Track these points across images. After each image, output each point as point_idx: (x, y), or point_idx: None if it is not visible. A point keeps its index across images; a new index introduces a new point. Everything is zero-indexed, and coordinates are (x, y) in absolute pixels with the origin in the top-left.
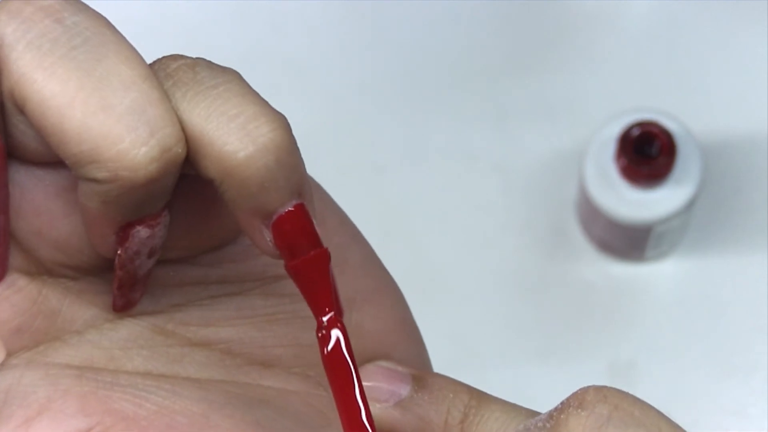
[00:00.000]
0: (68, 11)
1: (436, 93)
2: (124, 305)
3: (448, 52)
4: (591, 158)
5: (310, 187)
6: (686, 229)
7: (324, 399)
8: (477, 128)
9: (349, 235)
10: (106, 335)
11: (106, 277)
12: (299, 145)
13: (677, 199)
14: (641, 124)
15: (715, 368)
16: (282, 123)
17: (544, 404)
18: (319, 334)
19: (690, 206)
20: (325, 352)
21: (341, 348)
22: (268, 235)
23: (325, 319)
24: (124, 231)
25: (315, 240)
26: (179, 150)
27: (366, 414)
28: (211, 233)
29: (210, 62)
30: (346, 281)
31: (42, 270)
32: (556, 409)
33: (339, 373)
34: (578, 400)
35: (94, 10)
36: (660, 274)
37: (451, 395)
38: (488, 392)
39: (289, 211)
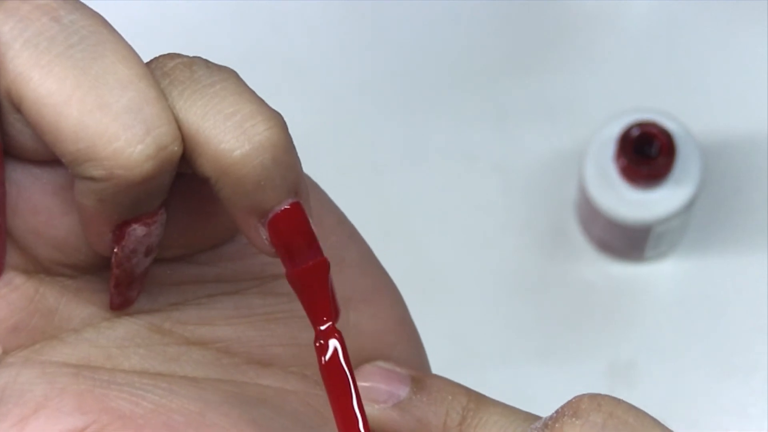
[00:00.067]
0: (65, 10)
1: (436, 93)
2: (121, 304)
3: (448, 52)
4: (591, 158)
5: (307, 186)
6: (686, 229)
7: (321, 398)
8: (477, 128)
9: (347, 234)
10: (104, 334)
11: (103, 276)
12: (299, 144)
13: (677, 199)
14: (641, 125)
15: (715, 368)
16: (278, 121)
17: (544, 404)
18: (317, 344)
19: (690, 206)
20: (323, 361)
21: (339, 358)
22: (264, 234)
23: (322, 328)
24: (120, 229)
25: (311, 238)
26: (175, 148)
27: (363, 424)
28: (208, 232)
29: (207, 61)
30: (343, 280)
31: (39, 268)
32: (551, 417)
33: (336, 383)
34: (573, 409)
35: (91, 9)
36: (660, 274)
37: (450, 397)
38: (488, 392)
39: (285, 209)
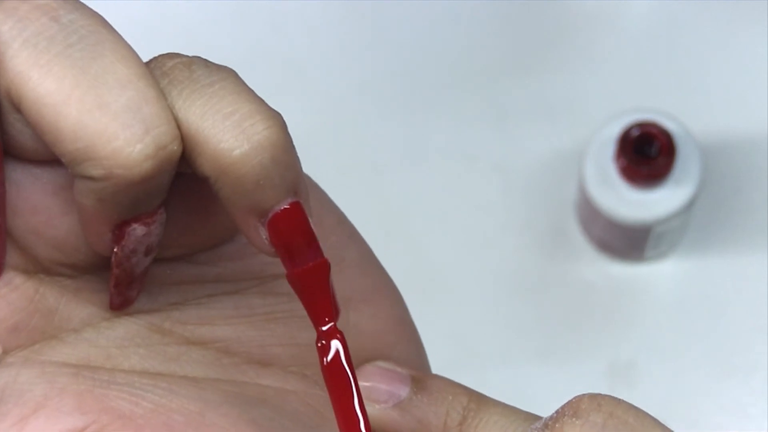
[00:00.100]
0: (64, 9)
1: (436, 93)
2: (121, 303)
3: (448, 52)
4: (591, 158)
5: (306, 186)
6: (686, 230)
7: (321, 398)
8: (477, 128)
9: (347, 234)
10: (103, 333)
11: (103, 276)
12: (299, 144)
13: (677, 199)
14: (641, 125)
15: (715, 368)
16: (277, 121)
17: (544, 404)
18: (319, 344)
19: (689, 206)
20: (325, 362)
21: (340, 359)
22: (263, 233)
23: (324, 329)
24: (120, 229)
25: (311, 238)
26: (174, 148)
27: (365, 425)
28: (208, 231)
29: (206, 60)
30: (343, 280)
31: (39, 268)
32: (551, 417)
33: (338, 383)
34: (573, 409)
35: (90, 9)
36: (660, 274)
37: (450, 397)
38: (488, 392)
39: (284, 208)
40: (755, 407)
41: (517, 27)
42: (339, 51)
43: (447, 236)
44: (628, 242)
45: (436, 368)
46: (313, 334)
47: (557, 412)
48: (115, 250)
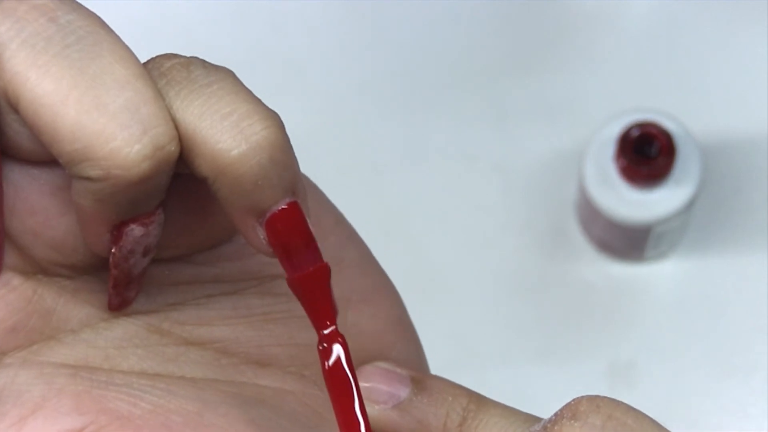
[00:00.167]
0: (62, 10)
1: (436, 93)
2: (119, 304)
3: (448, 52)
4: (591, 158)
5: (304, 186)
6: (686, 230)
7: (320, 399)
8: (477, 128)
9: (345, 234)
10: (102, 334)
11: (101, 276)
12: (299, 144)
13: (677, 199)
14: (641, 125)
15: (715, 368)
16: (275, 121)
17: (544, 404)
18: (320, 348)
19: (689, 206)
20: (326, 366)
21: (342, 363)
22: (261, 233)
23: (325, 332)
24: (118, 229)
25: (309, 238)
26: (172, 148)
27: (366, 428)
28: (206, 232)
29: (204, 61)
30: (342, 281)
31: (37, 269)
32: (550, 420)
33: (339, 387)
34: (571, 411)
35: (88, 9)
36: (660, 274)
37: (450, 398)
38: (488, 393)
39: (282, 209)
40: (755, 407)
41: (517, 27)
42: (339, 51)
43: (447, 236)
44: (628, 242)
45: (436, 368)
46: (312, 335)
47: (556, 414)
48: (113, 250)
